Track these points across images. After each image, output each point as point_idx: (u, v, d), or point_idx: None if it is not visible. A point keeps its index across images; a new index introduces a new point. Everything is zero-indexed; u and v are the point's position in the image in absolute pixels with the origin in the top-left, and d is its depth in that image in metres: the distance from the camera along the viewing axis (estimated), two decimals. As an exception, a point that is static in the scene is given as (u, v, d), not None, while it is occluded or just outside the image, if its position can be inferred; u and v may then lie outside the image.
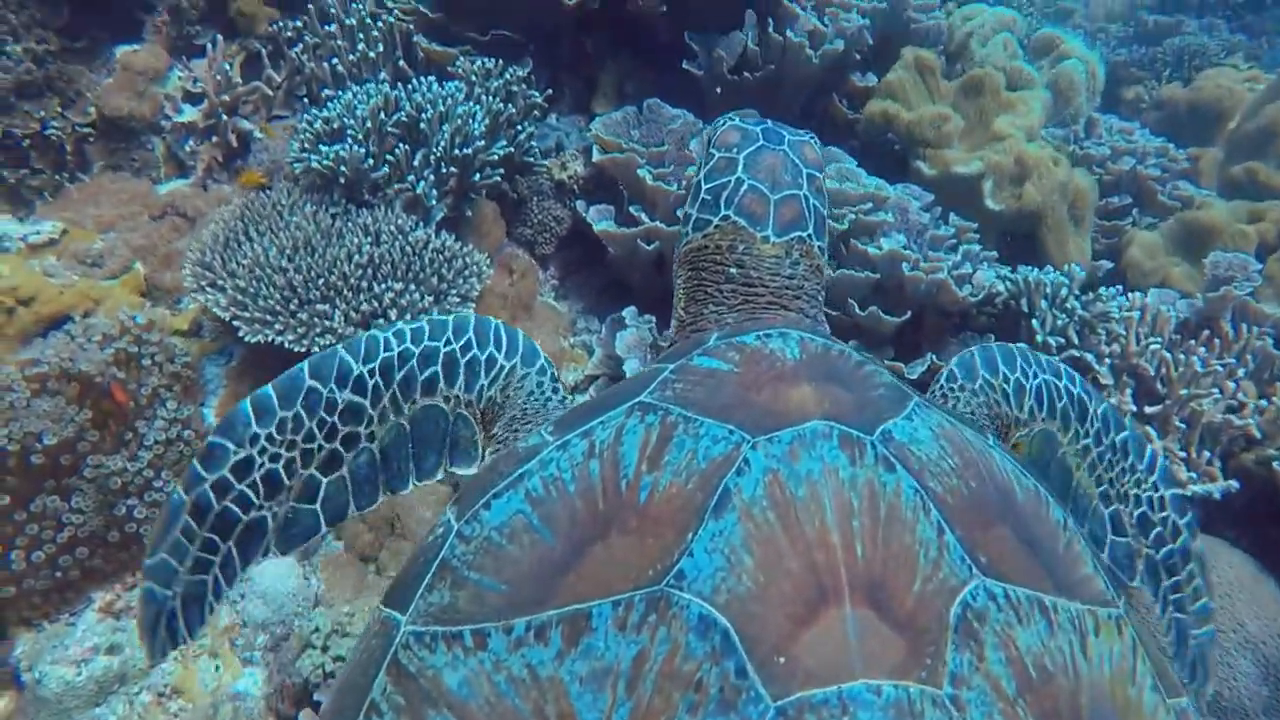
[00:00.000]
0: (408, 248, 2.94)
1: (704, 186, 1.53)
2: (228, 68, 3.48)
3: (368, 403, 1.41)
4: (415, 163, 3.11)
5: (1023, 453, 1.59)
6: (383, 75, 3.54)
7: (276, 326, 2.75)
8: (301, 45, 3.63)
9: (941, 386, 1.59)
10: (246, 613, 2.61)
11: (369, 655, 1.03)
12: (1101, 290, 3.24)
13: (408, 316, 2.87)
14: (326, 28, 3.63)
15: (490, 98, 3.32)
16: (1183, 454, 2.90)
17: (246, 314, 2.79)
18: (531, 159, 3.44)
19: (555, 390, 1.53)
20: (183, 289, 3.06)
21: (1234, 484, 2.84)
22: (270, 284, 2.80)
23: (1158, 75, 6.15)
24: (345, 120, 3.13)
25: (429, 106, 3.13)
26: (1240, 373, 3.10)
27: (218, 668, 2.52)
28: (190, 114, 3.53)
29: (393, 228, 2.99)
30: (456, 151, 3.05)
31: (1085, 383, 1.64)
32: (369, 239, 2.98)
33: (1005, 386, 1.58)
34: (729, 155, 1.52)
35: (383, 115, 3.13)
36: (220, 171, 3.58)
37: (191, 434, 2.75)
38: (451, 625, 0.96)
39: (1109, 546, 1.60)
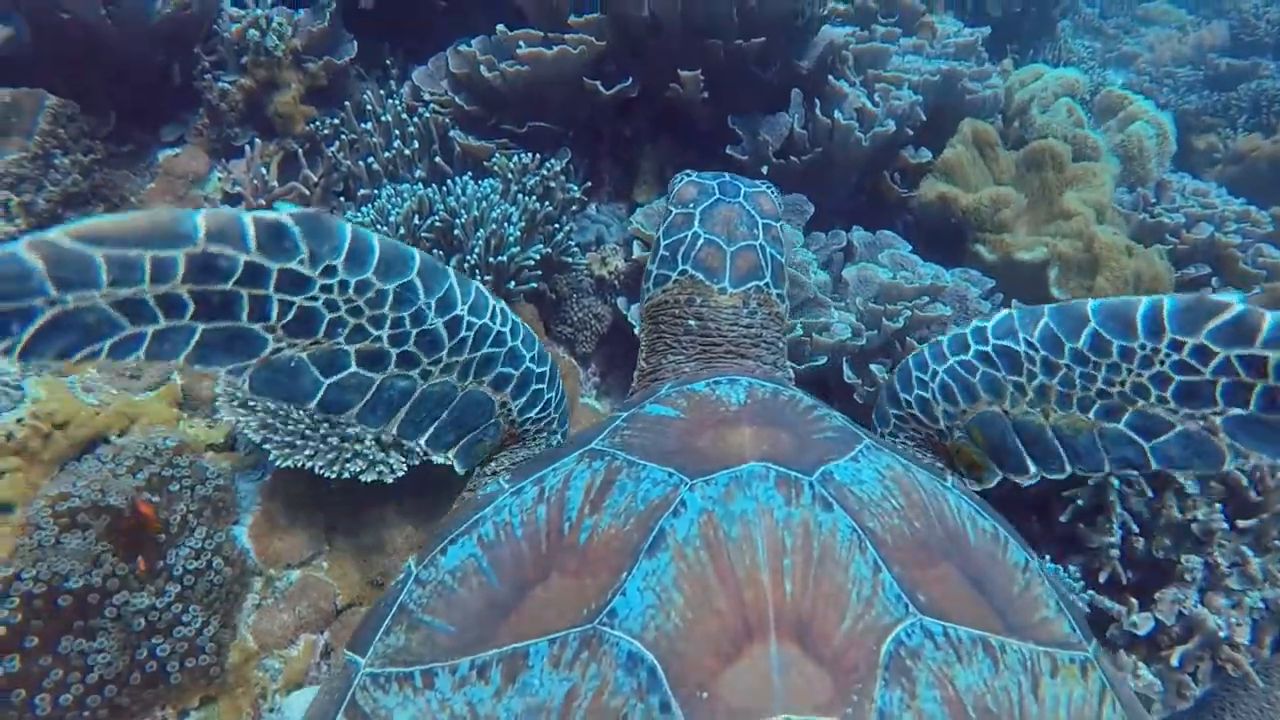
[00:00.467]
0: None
1: (663, 243, 1.58)
2: (264, 171, 3.47)
3: (447, 345, 1.27)
4: (449, 269, 3.03)
5: (971, 453, 1.45)
6: (419, 171, 3.49)
7: (306, 451, 2.68)
8: (338, 143, 3.61)
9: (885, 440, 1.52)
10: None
11: (330, 697, 1.06)
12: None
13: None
14: (363, 125, 3.60)
15: (526, 196, 3.23)
16: (1285, 580, 2.63)
17: (276, 437, 2.72)
18: (570, 258, 3.34)
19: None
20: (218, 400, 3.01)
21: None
22: (301, 406, 2.73)
23: (1232, 123, 5.81)
24: (378, 226, 3.07)
25: (463, 210, 3.05)
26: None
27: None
28: (230, 216, 3.51)
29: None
30: (492, 259, 2.96)
31: (998, 328, 1.36)
32: (402, 353, 2.89)
33: (911, 411, 1.50)
34: (686, 211, 1.57)
35: (416, 220, 3.06)
36: (259, 272, 3.55)
37: (222, 562, 2.68)
38: (404, 666, 1.00)
39: (1154, 454, 1.24)
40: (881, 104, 3.67)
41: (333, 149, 3.60)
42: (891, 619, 0.91)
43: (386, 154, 3.49)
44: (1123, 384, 1.24)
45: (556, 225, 3.33)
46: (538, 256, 3.12)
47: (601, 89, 3.43)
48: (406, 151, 3.49)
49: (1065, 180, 3.72)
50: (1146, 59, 6.91)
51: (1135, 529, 2.88)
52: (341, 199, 3.66)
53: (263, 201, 3.46)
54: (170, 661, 2.52)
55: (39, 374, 3.05)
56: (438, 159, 3.56)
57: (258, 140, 3.60)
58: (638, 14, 3.38)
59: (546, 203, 3.30)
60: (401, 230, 3.03)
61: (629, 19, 3.42)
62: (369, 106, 3.61)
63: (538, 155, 3.41)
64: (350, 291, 1.13)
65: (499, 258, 2.98)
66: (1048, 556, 2.91)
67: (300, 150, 3.61)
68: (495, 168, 3.37)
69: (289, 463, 2.69)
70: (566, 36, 3.36)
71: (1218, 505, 2.82)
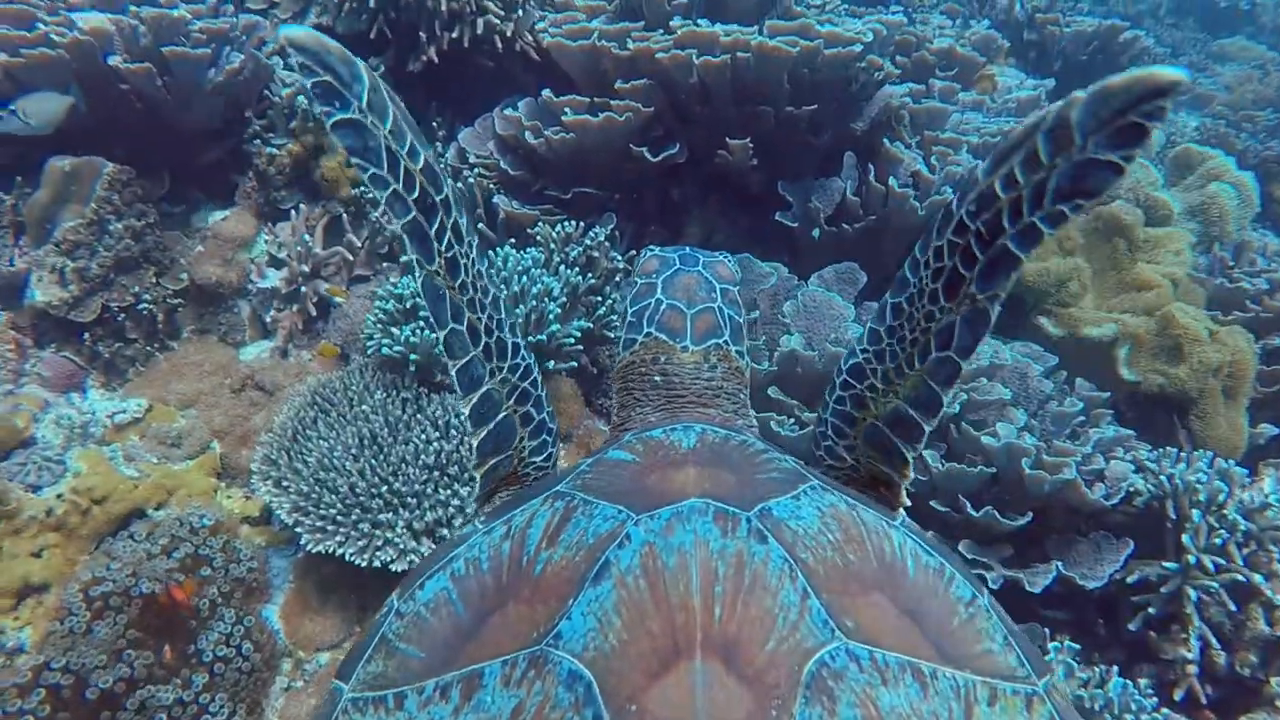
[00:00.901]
0: (476, 444, 2.79)
1: (630, 310, 1.70)
2: (308, 239, 3.46)
3: (509, 359, 1.45)
4: (488, 345, 2.97)
5: (877, 470, 1.46)
6: (462, 238, 3.44)
7: (338, 538, 2.63)
8: (382, 208, 3.59)
9: None
10: None
11: None
12: (1270, 491, 2.76)
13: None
14: (408, 189, 3.58)
15: (569, 269, 3.16)
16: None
17: (308, 520, 2.68)
18: (612, 331, 3.25)
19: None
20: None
21: None
22: (333, 489, 2.69)
23: (1319, 172, 5.48)
24: (419, 300, 3.03)
25: (504, 286, 2.99)
26: None
27: None
28: (274, 279, 3.52)
29: (462, 418, 2.84)
30: (531, 337, 2.89)
31: (846, 358, 1.46)
32: (437, 433, 2.84)
33: (829, 461, 1.55)
34: (650, 281, 1.69)
35: (457, 294, 3.01)
36: (301, 336, 3.54)
37: (251, 647, 2.64)
38: (380, 690, 1.09)
39: (957, 354, 1.27)
40: (939, 169, 3.53)
41: (378, 213, 3.58)
42: (816, 642, 0.96)
43: (430, 220, 3.46)
44: (920, 323, 1.31)
45: (599, 298, 3.25)
46: (579, 334, 3.04)
47: (648, 156, 3.36)
48: (450, 218, 3.45)
49: (1137, 248, 3.51)
50: (1223, 100, 6.59)
51: (1215, 643, 2.67)
52: (384, 264, 3.64)
53: (306, 268, 3.46)
54: (197, 752, 2.47)
55: (83, 445, 3.07)
56: (481, 224, 3.52)
57: (303, 206, 3.60)
58: (686, 80, 3.30)
59: (589, 274, 3.22)
60: (441, 305, 2.98)
61: (677, 85, 3.34)
62: (414, 171, 3.59)
63: (581, 224, 3.34)
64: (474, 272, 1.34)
65: (539, 336, 2.91)
66: (1115, 667, 2.71)
67: (345, 215, 3.61)
68: (539, 237, 3.31)
69: (320, 548, 2.64)
70: (613, 103, 3.29)
71: (1308, 620, 2.60)
